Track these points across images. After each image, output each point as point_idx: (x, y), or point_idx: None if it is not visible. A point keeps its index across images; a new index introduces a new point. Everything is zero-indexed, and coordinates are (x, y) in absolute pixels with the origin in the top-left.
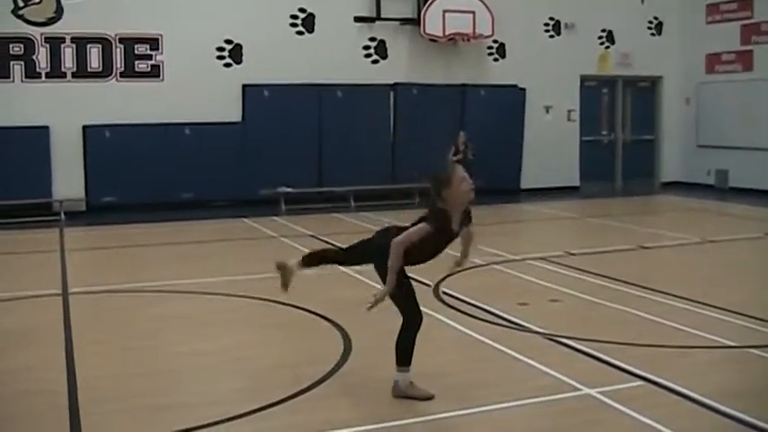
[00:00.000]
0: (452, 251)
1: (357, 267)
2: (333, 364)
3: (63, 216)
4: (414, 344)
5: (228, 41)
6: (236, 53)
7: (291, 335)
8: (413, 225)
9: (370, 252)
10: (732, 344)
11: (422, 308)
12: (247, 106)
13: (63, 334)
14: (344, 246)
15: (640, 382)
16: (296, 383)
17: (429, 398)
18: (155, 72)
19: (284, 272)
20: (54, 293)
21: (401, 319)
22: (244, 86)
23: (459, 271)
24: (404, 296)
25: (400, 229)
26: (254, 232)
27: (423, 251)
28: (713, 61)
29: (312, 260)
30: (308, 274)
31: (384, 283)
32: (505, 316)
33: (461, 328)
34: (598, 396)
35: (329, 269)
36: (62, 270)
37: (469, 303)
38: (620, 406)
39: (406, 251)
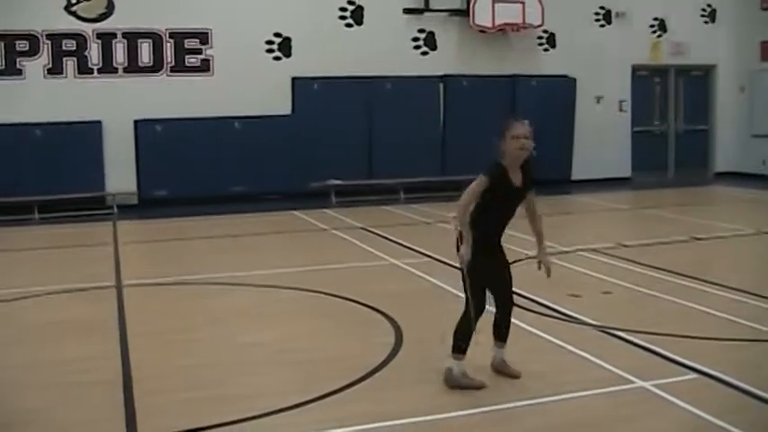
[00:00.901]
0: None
1: (408, 260)
2: (385, 355)
3: (116, 209)
4: (471, 333)
5: (278, 35)
6: (285, 46)
7: (343, 327)
8: None
9: None
10: None
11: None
12: (297, 99)
13: (117, 325)
14: None
15: (694, 375)
16: (348, 375)
17: (481, 387)
18: (205, 66)
19: None
20: (108, 285)
21: (452, 312)
22: (293, 79)
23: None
24: (475, 281)
25: None
26: (305, 224)
27: (488, 207)
28: None
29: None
30: (356, 266)
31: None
32: (557, 308)
33: (513, 321)
34: (652, 389)
35: (377, 261)
36: (116, 263)
37: (521, 295)
38: (674, 398)
39: (476, 208)
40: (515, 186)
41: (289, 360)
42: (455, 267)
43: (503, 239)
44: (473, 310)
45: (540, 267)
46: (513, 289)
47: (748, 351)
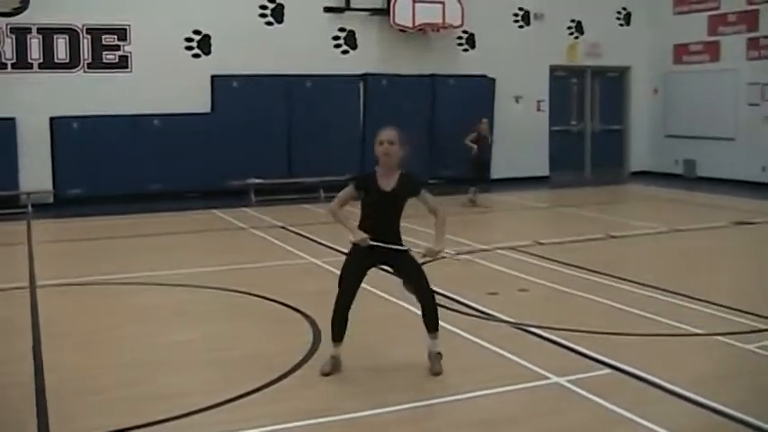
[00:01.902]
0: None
1: (328, 259)
2: (304, 354)
3: (30, 208)
4: (336, 320)
5: (197, 32)
6: (204, 44)
7: (262, 326)
8: None
9: None
10: (699, 331)
11: (392, 298)
12: (216, 97)
13: (31, 327)
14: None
15: (608, 371)
16: (268, 374)
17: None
18: (122, 63)
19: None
20: (21, 286)
21: (371, 310)
22: (213, 77)
23: (431, 261)
24: (342, 273)
25: None
26: (224, 223)
27: (364, 211)
28: (681, 52)
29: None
30: (275, 265)
31: None
32: (475, 306)
33: None
34: (566, 384)
35: (296, 260)
36: (29, 263)
37: (439, 293)
38: (588, 394)
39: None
40: (384, 191)
41: (209, 359)
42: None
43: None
44: (337, 298)
45: (423, 255)
46: (432, 287)
47: (661, 346)
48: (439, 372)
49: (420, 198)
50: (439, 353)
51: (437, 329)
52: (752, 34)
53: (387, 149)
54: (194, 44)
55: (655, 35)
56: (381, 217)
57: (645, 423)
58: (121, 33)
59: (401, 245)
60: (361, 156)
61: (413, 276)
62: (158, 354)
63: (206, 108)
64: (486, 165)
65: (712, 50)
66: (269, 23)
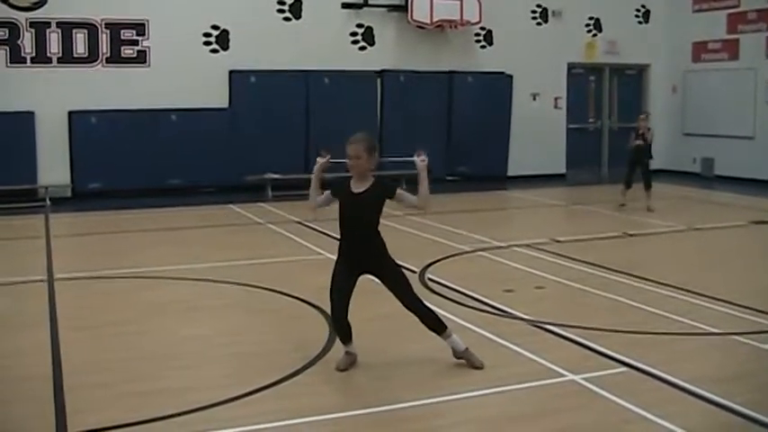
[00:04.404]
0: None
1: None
2: (318, 350)
3: (48, 202)
4: (336, 326)
5: (215, 27)
6: (222, 39)
7: (278, 321)
8: None
9: None
10: (716, 330)
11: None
12: (234, 92)
13: (48, 320)
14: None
15: (624, 369)
16: (281, 369)
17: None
18: (141, 58)
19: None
20: (39, 279)
21: (386, 306)
22: (230, 72)
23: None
24: (331, 285)
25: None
26: (241, 218)
27: (339, 216)
28: (700, 50)
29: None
30: (291, 260)
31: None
32: (491, 302)
33: (447, 315)
34: (582, 382)
35: (312, 255)
36: (47, 256)
37: (455, 290)
38: (603, 392)
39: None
40: (354, 192)
41: (225, 354)
42: None
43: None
44: (331, 309)
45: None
46: (447, 283)
47: (678, 345)
48: (481, 364)
49: (397, 198)
50: (466, 348)
51: (445, 328)
52: None
53: (352, 163)
54: (212, 39)
55: (673, 33)
56: (353, 220)
57: (661, 422)
58: (140, 28)
59: (380, 253)
60: (379, 151)
61: (397, 286)
62: (173, 348)
63: (224, 103)
64: (633, 165)
65: (731, 49)
66: (287, 19)
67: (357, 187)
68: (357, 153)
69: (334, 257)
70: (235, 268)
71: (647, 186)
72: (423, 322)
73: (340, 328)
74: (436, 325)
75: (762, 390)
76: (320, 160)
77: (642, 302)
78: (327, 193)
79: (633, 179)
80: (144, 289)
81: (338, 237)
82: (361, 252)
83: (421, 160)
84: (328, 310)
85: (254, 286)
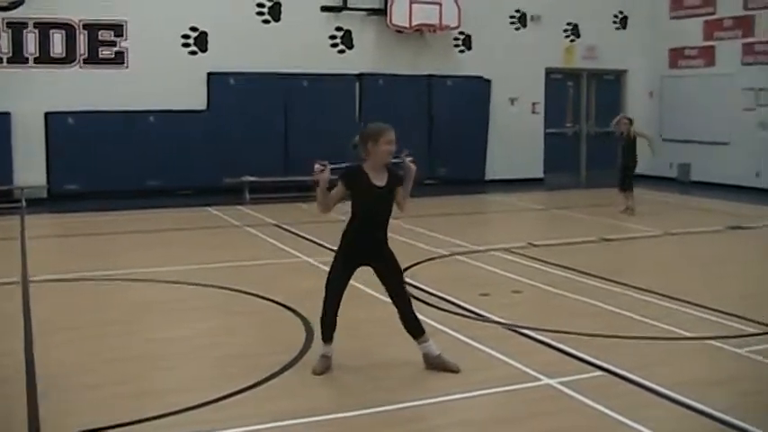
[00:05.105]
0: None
1: (322, 258)
2: (295, 353)
3: (24, 203)
4: (324, 322)
5: (194, 29)
6: (201, 41)
7: (255, 324)
8: None
9: None
10: (692, 335)
11: (385, 298)
12: (212, 94)
13: (23, 322)
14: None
15: (600, 373)
16: (259, 372)
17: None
18: (119, 59)
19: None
20: (14, 281)
21: (361, 311)
22: (209, 74)
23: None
24: (330, 274)
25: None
26: (218, 221)
27: (355, 207)
28: (676, 56)
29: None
30: (269, 263)
31: None
32: (467, 306)
33: (423, 318)
34: (558, 386)
35: (290, 258)
36: (23, 258)
37: (431, 293)
38: (579, 396)
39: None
40: (379, 187)
41: (201, 356)
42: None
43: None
44: (325, 300)
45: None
46: (424, 287)
47: (653, 349)
48: (456, 368)
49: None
50: (439, 354)
51: (423, 333)
52: (747, 40)
53: (393, 150)
54: (191, 41)
55: (651, 39)
56: (375, 213)
57: (636, 426)
58: (118, 29)
59: (386, 243)
60: (358, 154)
61: (393, 281)
62: (150, 350)
63: (202, 105)
64: (623, 167)
65: (708, 55)
66: (266, 21)
67: (377, 179)
68: (394, 140)
69: (312, 261)
70: (212, 271)
71: (625, 189)
72: (403, 321)
73: (330, 324)
74: (415, 327)
75: (736, 394)
76: (324, 176)
77: (618, 307)
78: (340, 186)
79: (626, 182)
80: (120, 291)
81: (311, 239)
82: (372, 243)
83: (410, 161)
84: (306, 314)
85: (232, 289)
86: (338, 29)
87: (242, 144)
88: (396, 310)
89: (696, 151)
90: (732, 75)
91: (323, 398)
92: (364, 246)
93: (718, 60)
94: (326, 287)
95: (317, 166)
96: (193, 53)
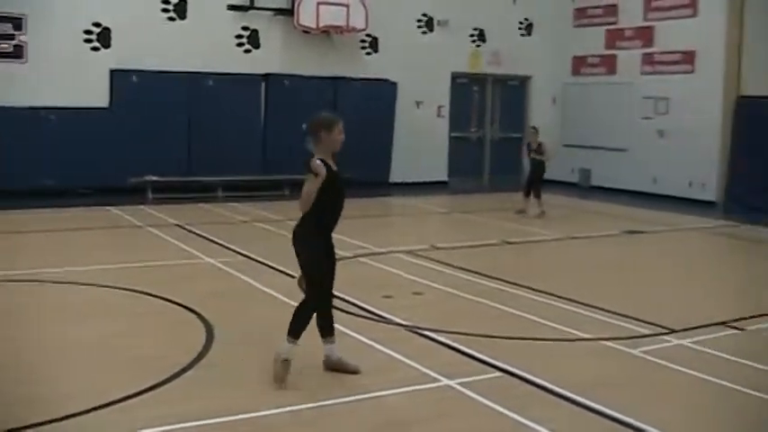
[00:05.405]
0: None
1: (224, 259)
2: (195, 354)
3: None
4: (310, 318)
5: (97, 24)
6: (104, 37)
7: (156, 326)
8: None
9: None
10: (587, 336)
11: (285, 299)
12: (115, 92)
13: None
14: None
15: (499, 374)
16: (159, 374)
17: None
18: (17, 53)
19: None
20: None
21: (268, 311)
22: (112, 71)
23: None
24: (322, 273)
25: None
26: (120, 221)
27: (324, 197)
28: (579, 63)
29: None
30: (171, 264)
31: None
32: (369, 308)
33: None
34: (457, 387)
35: (192, 259)
36: None
37: (334, 295)
38: (478, 396)
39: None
40: (337, 173)
41: (102, 359)
42: (269, 266)
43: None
44: (312, 296)
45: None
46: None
47: (551, 350)
48: (356, 369)
49: None
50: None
51: (333, 333)
52: (647, 50)
53: (343, 138)
54: (93, 37)
55: (555, 46)
56: (341, 202)
57: (534, 426)
58: (17, 22)
59: (297, 235)
60: (263, 156)
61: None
62: (47, 354)
63: (104, 103)
64: (531, 176)
65: (609, 64)
66: (171, 19)
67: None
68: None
69: (214, 262)
70: (113, 272)
71: (537, 195)
72: (319, 316)
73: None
74: (329, 325)
75: (630, 394)
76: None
77: (519, 309)
78: (322, 176)
79: (531, 188)
80: (17, 293)
81: (214, 240)
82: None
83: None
84: (208, 316)
85: (134, 291)
86: (245, 28)
87: (145, 143)
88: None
89: (597, 157)
90: (632, 83)
91: (226, 399)
92: (331, 238)
93: (619, 69)
94: (321, 283)
95: (318, 162)
96: (96, 49)
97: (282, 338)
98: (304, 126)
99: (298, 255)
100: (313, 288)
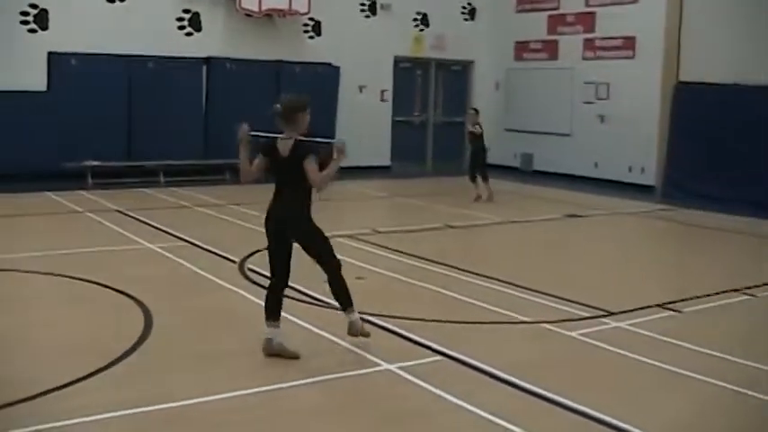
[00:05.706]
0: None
1: (164, 244)
2: (134, 341)
3: None
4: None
5: (33, 6)
6: (41, 18)
7: (94, 312)
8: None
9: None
10: (527, 319)
11: (227, 284)
12: (53, 75)
13: None
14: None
15: (439, 358)
16: (97, 361)
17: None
18: None
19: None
20: None
21: (209, 297)
22: (49, 54)
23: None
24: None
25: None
26: (59, 206)
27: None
28: (521, 49)
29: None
30: (110, 250)
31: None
32: (310, 293)
33: (264, 305)
34: (398, 371)
35: (132, 245)
36: None
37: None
38: (419, 381)
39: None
40: (282, 156)
41: (37, 347)
42: (210, 251)
43: None
44: (333, 262)
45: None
46: (268, 274)
47: (490, 333)
48: (295, 355)
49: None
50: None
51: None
52: (588, 35)
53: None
54: (30, 18)
55: (497, 31)
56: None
57: (474, 410)
58: None
59: (301, 219)
60: (204, 140)
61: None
62: None
63: (42, 86)
64: (472, 158)
65: (551, 49)
66: (111, 0)
67: (283, 148)
68: None
69: (154, 247)
70: (51, 258)
71: (484, 178)
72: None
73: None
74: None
75: (568, 375)
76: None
77: (459, 293)
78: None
79: (476, 172)
80: None
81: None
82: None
83: (342, 143)
84: (147, 301)
85: (70, 277)
86: (186, 11)
87: (84, 127)
88: (247, 294)
89: (539, 142)
90: (573, 68)
91: (163, 385)
92: None
93: (561, 54)
94: (334, 256)
95: (343, 141)
96: (33, 31)
97: (227, 326)
98: (277, 107)
99: (306, 235)
100: (332, 257)
